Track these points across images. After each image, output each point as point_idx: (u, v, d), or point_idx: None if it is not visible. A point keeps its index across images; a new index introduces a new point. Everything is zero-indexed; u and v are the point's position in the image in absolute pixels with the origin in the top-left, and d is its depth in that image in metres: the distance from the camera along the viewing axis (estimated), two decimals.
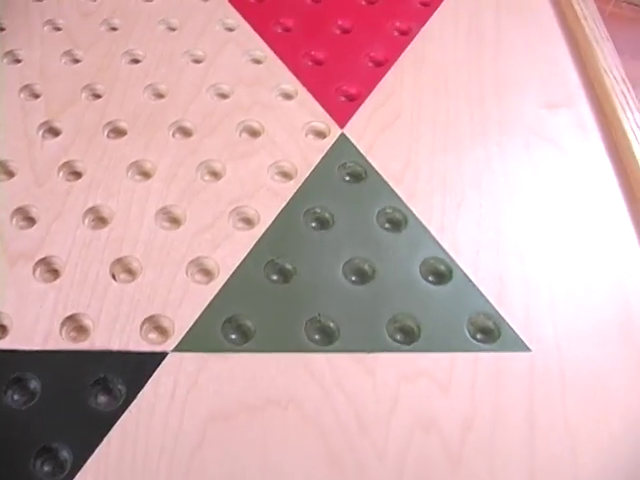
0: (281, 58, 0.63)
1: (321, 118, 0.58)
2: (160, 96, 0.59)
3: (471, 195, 0.54)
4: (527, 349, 0.46)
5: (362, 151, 0.56)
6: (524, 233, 0.52)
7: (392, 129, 0.58)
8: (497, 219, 0.52)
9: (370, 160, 0.55)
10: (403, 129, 0.58)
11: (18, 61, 0.62)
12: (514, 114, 0.59)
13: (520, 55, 0.64)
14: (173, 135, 0.57)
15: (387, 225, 0.52)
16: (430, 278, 0.49)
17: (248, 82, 0.61)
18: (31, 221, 0.51)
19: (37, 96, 0.59)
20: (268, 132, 0.57)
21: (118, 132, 0.57)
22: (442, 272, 0.49)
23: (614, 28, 0.76)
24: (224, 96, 0.60)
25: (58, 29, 0.65)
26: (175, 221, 0.51)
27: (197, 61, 0.62)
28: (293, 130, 0.57)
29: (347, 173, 0.55)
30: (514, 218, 0.53)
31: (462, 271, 0.49)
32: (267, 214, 0.52)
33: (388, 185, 0.54)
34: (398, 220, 0.52)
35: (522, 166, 0.56)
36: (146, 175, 0.54)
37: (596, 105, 0.60)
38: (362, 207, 0.52)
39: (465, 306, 0.48)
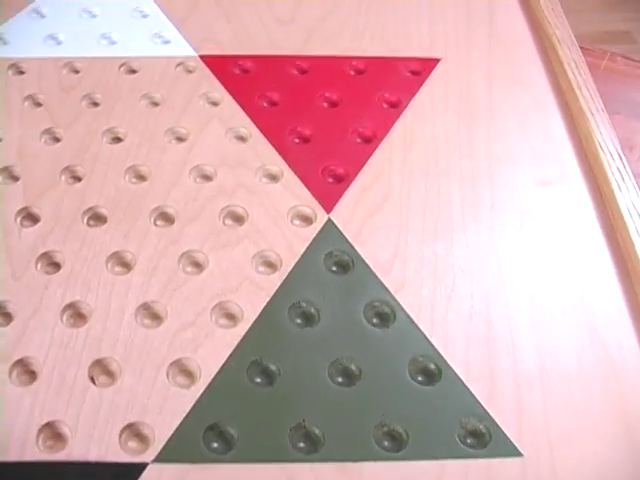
0: (266, 135, 0.61)
1: (307, 202, 0.56)
2: (142, 178, 0.58)
3: (462, 285, 0.52)
4: (519, 454, 0.44)
5: (349, 238, 0.54)
6: (516, 324, 0.50)
7: (380, 213, 0.56)
8: (488, 310, 0.50)
9: (357, 248, 0.53)
10: (392, 213, 0.56)
11: None
12: (507, 193, 0.58)
13: (513, 128, 0.63)
14: (154, 222, 0.55)
15: (375, 320, 0.50)
16: (419, 378, 0.47)
17: (232, 163, 0.59)
18: (8, 317, 0.49)
19: (16, 179, 0.57)
20: (252, 218, 0.55)
21: (98, 219, 0.55)
22: (431, 371, 0.48)
23: (609, 84, 0.74)
24: (207, 178, 0.58)
25: (38, 105, 0.63)
26: (156, 318, 0.50)
27: (180, 139, 0.61)
28: (278, 216, 0.55)
29: (334, 262, 0.53)
30: (506, 308, 0.51)
31: (452, 369, 0.47)
32: (251, 310, 0.50)
33: (376, 276, 0.52)
34: (386, 314, 0.50)
35: (515, 250, 0.54)
36: (126, 267, 0.52)
37: (592, 182, 0.58)
38: (349, 300, 0.51)
39: (455, 408, 0.46)
